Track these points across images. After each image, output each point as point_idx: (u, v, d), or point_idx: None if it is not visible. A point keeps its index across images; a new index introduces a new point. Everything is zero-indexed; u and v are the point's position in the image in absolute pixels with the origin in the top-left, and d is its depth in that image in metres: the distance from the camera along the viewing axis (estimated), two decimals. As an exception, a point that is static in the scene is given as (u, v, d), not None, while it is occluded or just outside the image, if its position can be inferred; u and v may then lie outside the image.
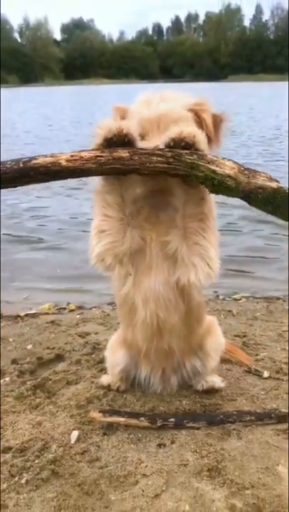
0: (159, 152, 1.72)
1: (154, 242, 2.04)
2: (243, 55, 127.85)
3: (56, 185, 8.83)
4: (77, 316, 3.80)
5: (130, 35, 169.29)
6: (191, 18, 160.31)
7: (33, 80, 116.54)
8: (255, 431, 2.07)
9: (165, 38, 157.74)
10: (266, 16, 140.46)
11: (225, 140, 2.14)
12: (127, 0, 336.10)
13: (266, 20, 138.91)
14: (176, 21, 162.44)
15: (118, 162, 1.74)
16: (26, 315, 3.90)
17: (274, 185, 1.70)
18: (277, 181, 1.71)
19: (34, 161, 1.77)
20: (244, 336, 3.21)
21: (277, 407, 2.25)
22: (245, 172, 1.71)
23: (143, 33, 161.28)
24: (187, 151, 1.72)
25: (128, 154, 1.73)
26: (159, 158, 1.72)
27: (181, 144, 1.75)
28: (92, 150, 1.78)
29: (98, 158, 1.74)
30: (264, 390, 2.44)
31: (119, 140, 1.79)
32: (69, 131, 17.82)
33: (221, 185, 1.68)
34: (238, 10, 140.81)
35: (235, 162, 1.72)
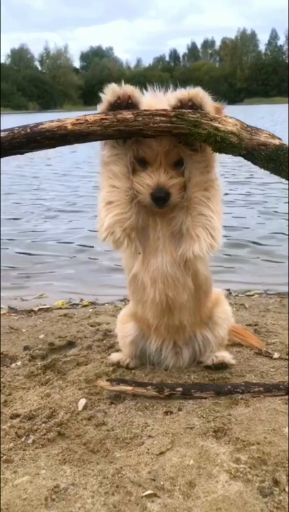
0: (163, 112, 1.77)
1: (160, 220, 2.07)
2: (259, 79, 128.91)
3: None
4: (90, 310, 3.83)
5: (147, 62, 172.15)
6: (208, 44, 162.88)
7: (52, 107, 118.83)
8: (264, 400, 2.05)
9: (182, 63, 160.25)
10: (281, 40, 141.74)
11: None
12: (144, 28, 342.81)
13: (281, 45, 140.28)
14: (193, 47, 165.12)
15: (122, 124, 1.78)
16: (40, 309, 3.94)
17: (277, 142, 1.72)
18: (280, 139, 1.73)
19: (41, 126, 1.83)
20: (256, 325, 3.18)
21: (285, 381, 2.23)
22: (248, 129, 1.74)
23: (160, 60, 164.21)
24: (190, 110, 1.75)
25: (132, 116, 1.78)
26: (162, 118, 1.76)
27: (188, 104, 1.79)
28: (98, 114, 1.83)
29: (103, 121, 1.79)
30: (274, 368, 2.42)
31: (123, 103, 1.84)
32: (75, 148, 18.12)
33: (224, 142, 1.71)
34: (253, 36, 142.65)
35: (237, 119, 1.75)
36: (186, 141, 1.84)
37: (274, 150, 1.72)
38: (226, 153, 1.76)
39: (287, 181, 1.79)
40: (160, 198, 1.96)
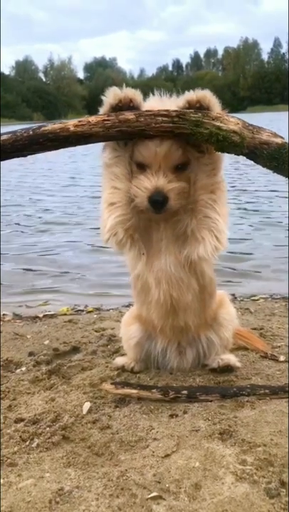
0: (164, 112, 1.77)
1: (163, 222, 2.05)
2: (262, 87, 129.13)
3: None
4: (95, 316, 3.81)
5: (150, 72, 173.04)
6: (210, 53, 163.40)
7: (56, 117, 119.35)
8: (270, 403, 2.03)
9: (185, 73, 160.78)
10: (284, 49, 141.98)
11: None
12: (147, 39, 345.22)
13: (284, 54, 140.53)
14: (196, 57, 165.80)
15: (124, 124, 1.79)
16: (44, 316, 3.92)
17: (279, 140, 1.72)
18: (282, 137, 1.72)
19: (43, 128, 1.84)
20: (261, 329, 3.15)
21: (292, 384, 2.20)
22: (250, 127, 1.74)
23: (163, 70, 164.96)
24: (192, 110, 1.75)
25: (134, 116, 1.78)
26: (164, 118, 1.76)
27: (196, 106, 1.80)
28: (100, 115, 1.83)
29: (105, 122, 1.80)
30: (279, 371, 2.39)
31: (124, 106, 1.84)
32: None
33: (226, 141, 1.71)
34: (255, 44, 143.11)
35: (239, 118, 1.75)
36: (193, 143, 1.83)
37: (276, 149, 1.71)
38: (229, 152, 1.76)
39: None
40: (157, 201, 1.91)
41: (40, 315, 3.95)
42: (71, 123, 1.82)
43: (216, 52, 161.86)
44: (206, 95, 1.85)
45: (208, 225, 1.97)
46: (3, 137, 1.85)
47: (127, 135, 1.81)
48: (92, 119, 1.81)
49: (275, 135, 1.73)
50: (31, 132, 1.83)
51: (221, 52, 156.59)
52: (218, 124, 1.72)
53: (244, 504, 1.43)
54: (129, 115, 1.78)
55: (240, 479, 1.53)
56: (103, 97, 1.89)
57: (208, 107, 1.81)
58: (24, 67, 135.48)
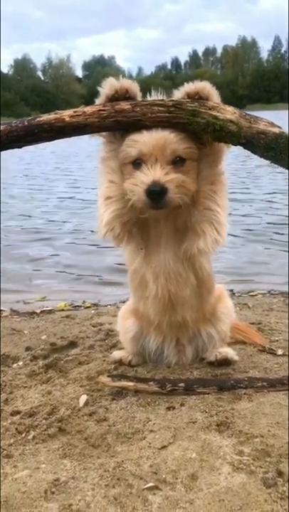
0: (160, 102, 1.76)
1: (164, 218, 2.03)
2: (261, 86, 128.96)
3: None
4: (92, 311, 3.80)
5: (149, 70, 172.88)
6: (209, 51, 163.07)
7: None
8: (267, 395, 2.02)
9: (183, 71, 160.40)
10: (285, 47, 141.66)
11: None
12: (144, 37, 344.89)
13: (285, 51, 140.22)
14: (194, 55, 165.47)
15: (120, 115, 1.77)
16: (42, 311, 3.91)
17: (276, 130, 1.71)
18: (280, 127, 1.71)
19: (38, 119, 1.83)
20: (259, 324, 3.14)
21: (290, 376, 2.20)
22: (247, 117, 1.73)
23: (162, 68, 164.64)
24: (188, 100, 1.74)
25: (130, 106, 1.77)
26: (160, 108, 1.75)
27: (195, 97, 1.78)
28: (95, 105, 1.82)
29: (101, 112, 1.79)
30: (277, 364, 2.39)
31: (121, 96, 1.82)
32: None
33: (223, 131, 1.70)
34: (254, 43, 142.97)
35: (235, 108, 1.74)
36: (194, 134, 1.81)
37: (273, 138, 1.70)
38: (226, 142, 1.75)
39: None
40: (155, 191, 1.82)
41: (38, 311, 3.94)
42: (66, 113, 1.80)
43: (214, 50, 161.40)
44: (206, 86, 1.83)
45: (208, 217, 1.95)
46: (-1, 128, 1.83)
47: (123, 125, 1.80)
48: (88, 109, 1.80)
49: (272, 125, 1.72)
50: (26, 123, 1.82)
51: (219, 51, 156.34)
52: (214, 113, 1.70)
53: (241, 494, 1.42)
54: (125, 105, 1.77)
55: (237, 469, 1.52)
56: (100, 88, 1.87)
57: (208, 98, 1.80)
58: (22, 65, 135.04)
